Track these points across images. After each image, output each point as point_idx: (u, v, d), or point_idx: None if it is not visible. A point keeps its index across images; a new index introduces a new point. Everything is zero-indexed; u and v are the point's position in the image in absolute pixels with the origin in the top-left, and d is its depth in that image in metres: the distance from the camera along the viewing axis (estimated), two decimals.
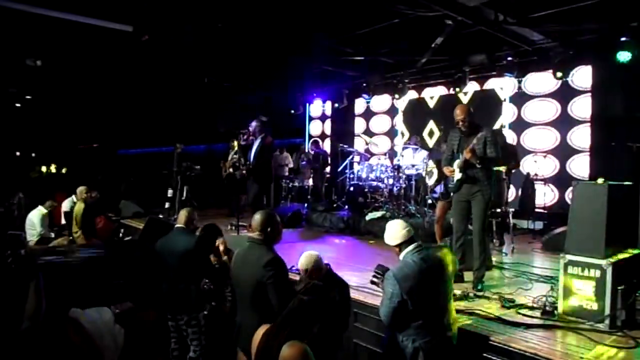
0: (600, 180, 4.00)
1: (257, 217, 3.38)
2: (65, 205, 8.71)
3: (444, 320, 3.19)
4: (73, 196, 8.88)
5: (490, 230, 6.22)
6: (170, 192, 9.45)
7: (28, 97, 14.04)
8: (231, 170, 9.57)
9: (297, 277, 3.60)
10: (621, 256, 3.85)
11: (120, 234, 8.07)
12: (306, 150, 11.99)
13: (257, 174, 7.36)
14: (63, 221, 8.53)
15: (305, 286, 2.49)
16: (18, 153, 22.05)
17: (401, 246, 3.26)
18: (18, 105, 15.21)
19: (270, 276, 3.07)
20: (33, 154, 21.97)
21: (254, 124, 7.47)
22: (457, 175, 4.94)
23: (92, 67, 10.28)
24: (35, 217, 7.75)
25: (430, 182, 8.15)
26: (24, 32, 7.90)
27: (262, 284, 3.09)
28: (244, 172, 7.71)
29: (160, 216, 8.93)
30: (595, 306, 3.71)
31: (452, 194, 5.09)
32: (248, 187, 7.52)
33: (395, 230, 3.29)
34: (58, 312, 3.67)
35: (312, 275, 3.29)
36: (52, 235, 7.84)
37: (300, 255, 3.48)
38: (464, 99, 10.10)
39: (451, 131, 5.20)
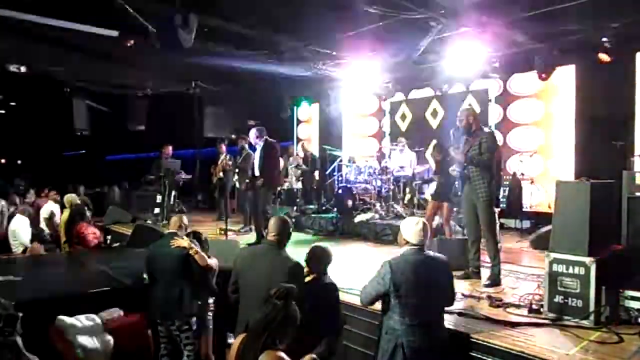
0: (583, 179, 4.07)
1: (274, 222, 3.57)
2: (45, 212, 8.61)
3: (431, 327, 3.18)
4: (50, 201, 8.76)
5: None
6: (159, 198, 9.39)
7: (12, 103, 13.89)
8: (221, 174, 9.56)
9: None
10: (605, 253, 3.91)
11: (108, 241, 7.99)
12: (294, 154, 11.99)
13: (266, 181, 7.20)
14: (44, 227, 8.42)
15: (277, 290, 2.48)
16: (3, 160, 21.81)
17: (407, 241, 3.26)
18: (2, 112, 15.05)
19: (292, 279, 3.16)
20: (19, 161, 21.73)
21: (254, 131, 7.30)
22: (455, 174, 5.15)
23: (78, 72, 10.20)
24: (17, 227, 7.61)
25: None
26: (7, 38, 7.82)
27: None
28: (247, 180, 7.68)
29: (149, 222, 8.87)
30: (580, 303, 3.77)
31: (459, 193, 5.30)
32: (253, 195, 7.39)
33: (408, 226, 3.27)
34: (44, 320, 3.66)
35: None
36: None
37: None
38: (448, 99, 10.19)
39: (455, 131, 5.37)
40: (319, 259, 3.69)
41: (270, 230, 3.56)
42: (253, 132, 7.31)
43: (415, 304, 3.09)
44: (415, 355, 3.05)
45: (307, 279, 3.58)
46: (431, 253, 3.40)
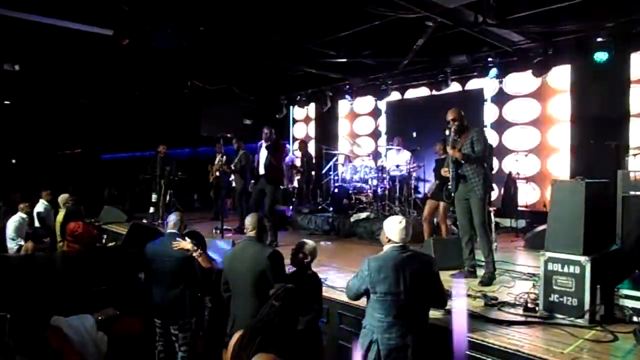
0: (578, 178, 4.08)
1: (250, 219, 3.86)
2: (39, 209, 8.55)
3: (410, 326, 3.12)
4: (42, 199, 8.70)
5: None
6: (154, 197, 9.36)
7: (6, 102, 13.80)
8: (218, 174, 9.54)
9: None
10: (599, 252, 3.92)
11: (103, 240, 7.95)
12: (290, 153, 11.98)
13: (270, 180, 7.20)
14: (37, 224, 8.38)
15: (276, 291, 2.47)
16: None
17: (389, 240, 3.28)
18: None
19: (272, 266, 3.59)
20: (13, 161, 21.54)
21: (265, 131, 7.31)
22: (450, 174, 5.15)
23: (73, 71, 10.16)
24: (10, 225, 7.59)
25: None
26: (1, 37, 7.77)
27: (264, 273, 3.56)
28: (252, 181, 7.77)
29: (144, 221, 8.83)
30: (575, 302, 3.78)
31: (452, 194, 5.26)
32: (258, 194, 7.37)
33: (391, 225, 3.28)
34: (39, 319, 3.64)
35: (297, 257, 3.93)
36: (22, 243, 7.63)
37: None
38: (445, 99, 10.19)
39: (450, 133, 5.37)
40: (304, 253, 3.93)
41: (248, 227, 3.83)
42: (264, 131, 7.33)
43: (394, 302, 3.08)
44: (390, 353, 3.04)
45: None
46: (414, 251, 3.37)
